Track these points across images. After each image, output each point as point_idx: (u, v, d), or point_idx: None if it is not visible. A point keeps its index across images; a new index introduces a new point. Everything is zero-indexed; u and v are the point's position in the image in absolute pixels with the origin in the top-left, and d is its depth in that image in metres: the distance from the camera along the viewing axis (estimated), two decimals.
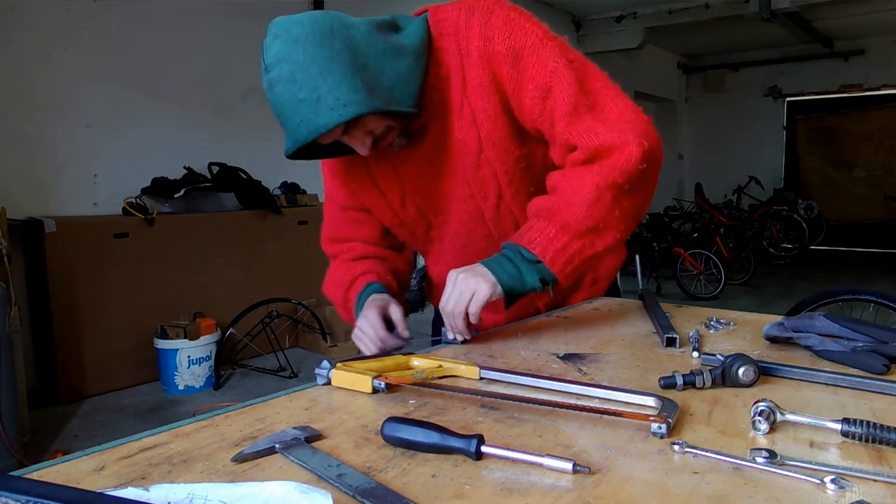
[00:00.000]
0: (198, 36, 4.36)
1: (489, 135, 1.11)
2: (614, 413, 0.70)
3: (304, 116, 0.96)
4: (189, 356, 3.68)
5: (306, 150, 1.07)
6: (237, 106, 4.58)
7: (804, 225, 8.72)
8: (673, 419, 0.67)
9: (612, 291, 1.44)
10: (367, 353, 1.13)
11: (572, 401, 0.75)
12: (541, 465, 0.58)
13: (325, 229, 1.40)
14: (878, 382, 0.80)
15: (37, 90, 3.65)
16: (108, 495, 0.49)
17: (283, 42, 0.98)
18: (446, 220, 1.25)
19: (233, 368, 4.06)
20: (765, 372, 0.84)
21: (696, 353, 0.95)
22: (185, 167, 4.18)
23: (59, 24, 3.71)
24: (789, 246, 8.65)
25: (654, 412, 0.71)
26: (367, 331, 1.15)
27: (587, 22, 8.26)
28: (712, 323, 1.14)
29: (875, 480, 0.56)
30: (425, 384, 0.83)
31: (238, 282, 4.22)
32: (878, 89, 9.69)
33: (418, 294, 1.48)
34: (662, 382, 0.80)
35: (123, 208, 3.76)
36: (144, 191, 3.94)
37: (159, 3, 4.14)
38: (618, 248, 1.12)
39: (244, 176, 4.35)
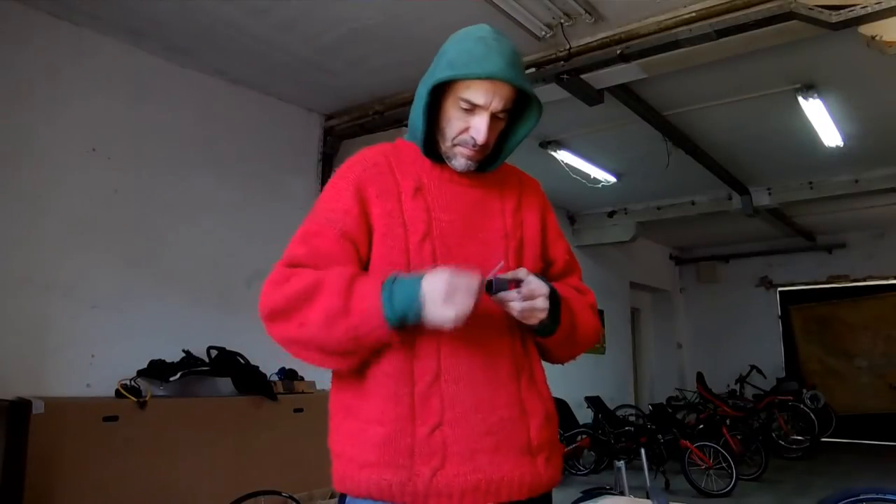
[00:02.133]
0: (208, 225, 4.59)
1: (530, 234, 1.42)
2: None
3: (511, 66, 1.27)
4: None
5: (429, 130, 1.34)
6: (241, 292, 4.68)
7: (812, 416, 8.49)
8: None
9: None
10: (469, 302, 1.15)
11: None
12: None
13: (297, 251, 1.30)
14: None
15: (49, 272, 3.76)
16: None
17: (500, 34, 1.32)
18: None
19: None
20: None
21: None
22: (183, 350, 4.18)
23: (80, 212, 3.93)
24: (800, 438, 8.35)
25: None
26: (463, 279, 1.16)
27: (581, 217, 8.73)
28: None
29: None
30: None
31: (227, 471, 4.01)
32: (865, 280, 9.97)
33: None
34: None
35: (116, 390, 3.69)
36: (140, 373, 3.90)
37: (176, 196, 4.41)
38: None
39: (242, 361, 4.33)
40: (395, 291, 1.18)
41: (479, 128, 1.28)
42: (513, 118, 1.38)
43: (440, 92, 1.31)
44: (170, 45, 4.26)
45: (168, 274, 4.32)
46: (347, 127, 5.27)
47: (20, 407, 3.36)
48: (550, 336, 1.34)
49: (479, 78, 1.25)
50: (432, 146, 1.37)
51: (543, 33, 3.97)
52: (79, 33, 3.99)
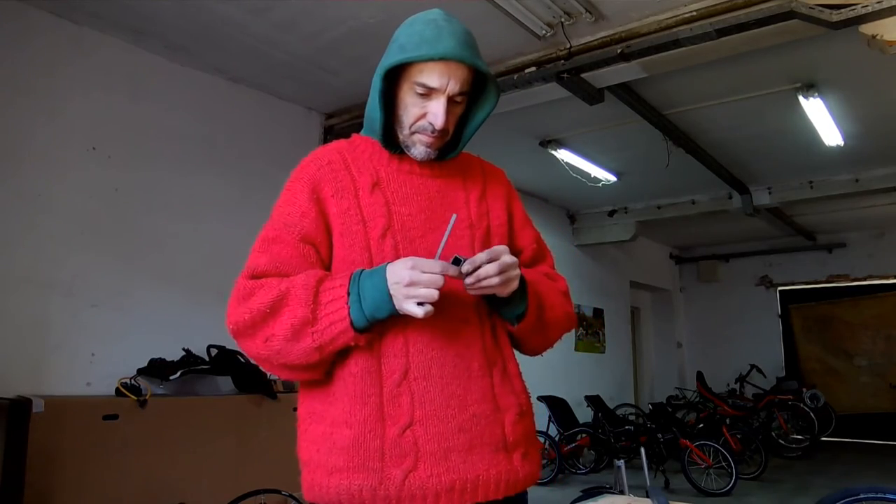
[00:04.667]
0: (208, 224, 4.58)
1: (496, 224, 1.38)
2: None
3: (464, 46, 1.24)
4: None
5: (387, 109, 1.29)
6: None
7: (812, 415, 8.50)
8: None
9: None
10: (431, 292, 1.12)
11: None
12: None
13: (258, 261, 1.29)
14: None
15: (49, 270, 3.76)
16: None
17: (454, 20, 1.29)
18: None
19: None
20: None
21: None
22: (183, 349, 4.18)
23: (81, 210, 3.92)
24: (800, 437, 8.36)
25: None
26: (424, 265, 1.13)
27: (581, 216, 8.73)
28: None
29: None
30: None
31: (227, 470, 4.02)
32: (865, 279, 9.97)
33: None
34: None
35: (116, 389, 3.69)
36: (140, 371, 3.90)
37: (176, 194, 4.41)
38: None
39: (242, 359, 4.33)
40: (364, 291, 1.16)
41: (436, 112, 1.25)
42: (472, 103, 1.35)
43: (395, 80, 1.28)
44: (170, 43, 4.26)
45: (168, 272, 4.32)
46: (347, 126, 5.26)
47: (20, 406, 3.36)
48: (520, 321, 1.30)
49: (431, 59, 1.22)
50: (391, 137, 1.33)
51: (544, 32, 3.97)
52: (79, 31, 3.99)
